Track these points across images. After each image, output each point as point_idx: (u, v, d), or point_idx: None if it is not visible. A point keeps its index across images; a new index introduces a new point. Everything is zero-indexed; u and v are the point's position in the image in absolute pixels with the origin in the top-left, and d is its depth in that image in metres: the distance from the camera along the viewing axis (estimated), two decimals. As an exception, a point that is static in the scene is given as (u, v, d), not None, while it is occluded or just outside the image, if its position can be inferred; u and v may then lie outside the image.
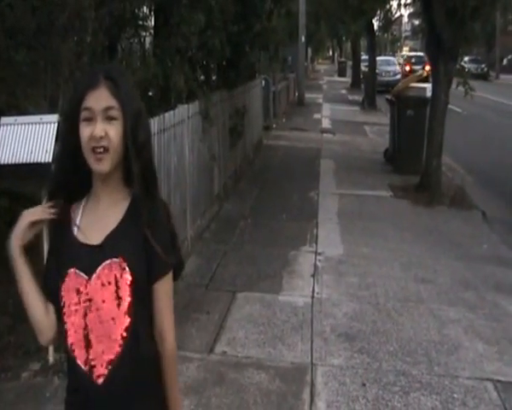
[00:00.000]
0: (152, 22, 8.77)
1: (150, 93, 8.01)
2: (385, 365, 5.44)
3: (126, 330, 2.14)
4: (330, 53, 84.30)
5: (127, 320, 2.14)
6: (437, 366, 5.50)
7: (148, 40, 8.78)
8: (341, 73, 54.88)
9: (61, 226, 2.23)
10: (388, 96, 14.40)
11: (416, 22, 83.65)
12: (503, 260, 8.43)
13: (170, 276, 2.25)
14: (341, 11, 27.24)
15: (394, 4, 34.53)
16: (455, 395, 5.07)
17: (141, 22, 8.39)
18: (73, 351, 2.17)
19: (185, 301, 6.57)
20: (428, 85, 12.65)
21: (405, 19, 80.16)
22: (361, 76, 37.01)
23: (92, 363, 2.14)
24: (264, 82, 17.81)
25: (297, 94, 28.48)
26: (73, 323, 2.17)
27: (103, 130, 2.10)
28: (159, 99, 8.02)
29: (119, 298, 2.14)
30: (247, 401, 4.85)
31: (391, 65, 40.42)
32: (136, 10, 7.80)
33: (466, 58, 35.40)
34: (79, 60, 6.27)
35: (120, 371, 2.15)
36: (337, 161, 14.51)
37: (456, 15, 10.50)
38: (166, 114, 6.88)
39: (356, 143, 17.79)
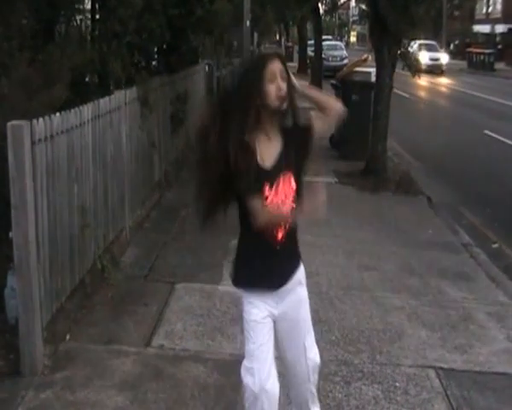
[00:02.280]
0: (89, 5, 8.51)
1: (87, 79, 7.77)
2: (326, 354, 5.31)
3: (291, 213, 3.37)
4: (277, 37, 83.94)
5: (291, 207, 3.36)
6: (379, 355, 5.43)
7: (85, 24, 8.52)
8: (288, 58, 54.72)
9: (247, 156, 3.25)
10: (333, 81, 14.29)
11: (363, 7, 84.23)
12: (447, 246, 8.43)
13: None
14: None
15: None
16: (397, 384, 5.02)
17: (77, 5, 8.13)
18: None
19: (123, 293, 6.40)
20: (373, 70, 12.61)
21: (353, 3, 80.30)
22: (308, 61, 36.90)
23: (273, 234, 3.38)
24: (207, 67, 17.54)
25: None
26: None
27: (283, 85, 3.27)
28: (96, 85, 7.78)
29: (288, 196, 3.36)
30: (185, 396, 4.71)
31: (338, 49, 40.49)
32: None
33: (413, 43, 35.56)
34: (9, 44, 6.01)
35: (288, 237, 3.41)
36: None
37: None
38: (102, 100, 6.64)
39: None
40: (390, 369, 5.22)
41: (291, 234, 3.42)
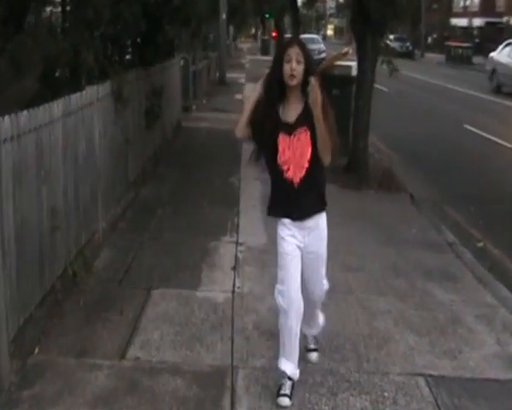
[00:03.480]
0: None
1: (57, 74, 7.42)
2: (311, 364, 5.07)
3: (308, 161, 4.33)
4: (253, 31, 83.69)
5: (309, 156, 4.33)
6: (366, 363, 5.19)
7: (55, 15, 8.18)
8: (264, 52, 54.38)
9: (272, 113, 4.34)
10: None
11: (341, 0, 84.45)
12: (432, 245, 8.20)
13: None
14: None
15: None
16: (385, 394, 4.78)
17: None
18: (285, 170, 4.36)
19: (96, 299, 6.09)
20: (354, 64, 12.34)
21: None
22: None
23: (292, 176, 4.37)
24: (183, 61, 17.20)
25: (218, 73, 27.89)
26: (286, 156, 4.34)
27: (296, 66, 4.22)
28: (67, 79, 7.42)
29: (305, 147, 4.32)
30: (162, 412, 4.41)
31: (316, 43, 40.21)
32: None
33: (391, 36, 35.45)
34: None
35: (305, 180, 4.36)
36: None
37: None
38: (73, 96, 6.29)
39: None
40: (378, 378, 4.97)
41: (310, 180, 4.39)
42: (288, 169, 4.37)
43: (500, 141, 16.31)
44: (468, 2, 66.66)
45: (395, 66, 11.37)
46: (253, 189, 10.20)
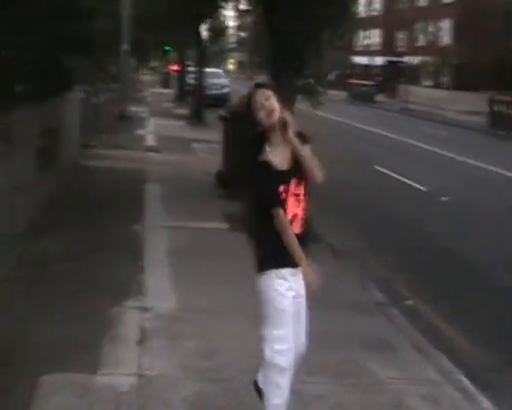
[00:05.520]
0: None
1: None
2: None
3: (303, 210, 4.32)
4: (155, 63, 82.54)
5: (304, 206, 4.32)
6: None
7: None
8: (165, 85, 53.73)
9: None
10: (223, 113, 13.11)
11: (243, 34, 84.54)
12: (361, 306, 7.42)
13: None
14: (167, 20, 25.79)
15: (226, 13, 33.90)
16: None
17: None
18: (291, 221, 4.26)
19: (-32, 391, 4.89)
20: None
21: (231, 30, 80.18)
22: (187, 88, 35.71)
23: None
24: (83, 93, 16.03)
25: (120, 107, 26.70)
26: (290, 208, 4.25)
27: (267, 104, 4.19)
28: None
29: (301, 195, 4.30)
30: None
31: (219, 77, 39.45)
32: None
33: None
34: None
35: (303, 229, 4.35)
36: (164, 185, 12.95)
37: (301, 25, 9.41)
38: None
39: (184, 162, 16.34)
40: None
41: (305, 223, 4.33)
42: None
43: (411, 183, 15.97)
44: (369, 41, 67.87)
45: (319, 100, 10.82)
46: (159, 239, 9.16)
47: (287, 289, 4.29)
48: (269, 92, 4.21)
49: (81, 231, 9.31)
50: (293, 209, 4.23)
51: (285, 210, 4.19)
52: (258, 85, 4.36)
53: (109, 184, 13.04)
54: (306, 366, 5.62)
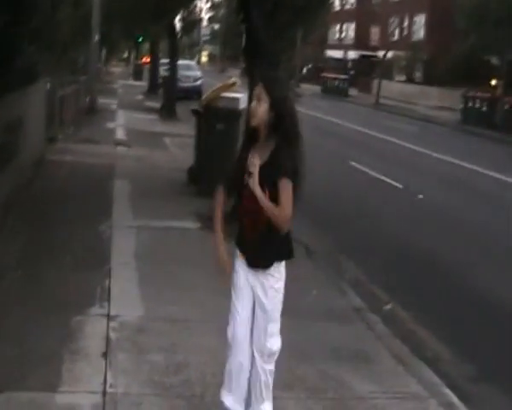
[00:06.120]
0: None
1: None
2: None
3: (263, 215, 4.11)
4: (126, 54, 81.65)
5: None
6: None
7: None
8: (137, 77, 53.02)
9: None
10: (195, 107, 12.64)
11: (216, 26, 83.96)
12: (337, 312, 7.09)
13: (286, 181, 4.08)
14: (139, 10, 25.20)
15: (200, 5, 33.46)
16: None
17: None
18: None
19: None
20: (242, 96, 11.16)
21: (205, 22, 79.52)
22: (159, 81, 35.12)
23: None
24: (48, 85, 15.46)
25: (88, 99, 26.08)
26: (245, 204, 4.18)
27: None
28: None
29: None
30: None
31: (191, 70, 38.82)
32: None
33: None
34: None
35: (259, 238, 4.20)
36: (134, 182, 12.43)
37: (276, 17, 9.02)
38: None
39: (155, 158, 15.81)
40: None
41: (264, 235, 4.16)
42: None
43: (388, 180, 15.68)
44: (343, 35, 67.73)
45: (295, 93, 10.42)
46: (126, 240, 8.72)
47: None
48: (261, 92, 4.12)
49: (40, 235, 8.76)
50: (249, 206, 4.12)
51: (240, 202, 4.25)
52: (261, 78, 4.32)
53: (74, 181, 12.49)
54: (281, 381, 5.29)
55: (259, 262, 4.26)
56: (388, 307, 7.70)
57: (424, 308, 7.86)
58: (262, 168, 4.04)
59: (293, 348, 5.93)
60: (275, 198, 4.03)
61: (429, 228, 11.72)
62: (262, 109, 4.08)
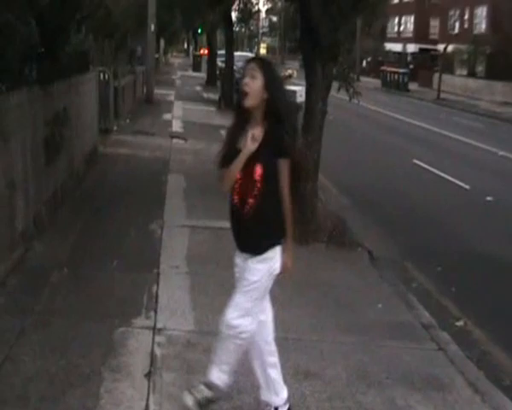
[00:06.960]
0: None
1: None
2: None
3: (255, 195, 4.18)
4: (186, 45, 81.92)
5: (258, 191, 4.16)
6: None
7: None
8: (196, 68, 53.00)
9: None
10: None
11: (274, 19, 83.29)
12: (405, 330, 6.47)
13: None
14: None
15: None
16: None
17: None
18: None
19: None
20: (299, 88, 10.58)
21: (263, 14, 78.98)
22: (217, 72, 34.77)
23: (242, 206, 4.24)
24: (102, 75, 15.10)
25: (145, 90, 25.78)
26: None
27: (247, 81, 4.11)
28: None
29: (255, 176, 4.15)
30: None
31: (248, 62, 38.42)
32: None
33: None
34: None
35: (254, 217, 4.20)
36: (188, 177, 11.98)
37: (334, 6, 8.38)
38: None
39: (211, 152, 15.22)
40: None
41: (259, 213, 4.17)
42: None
43: (453, 180, 14.90)
44: (402, 28, 66.53)
45: (356, 89, 9.81)
46: (178, 241, 8.22)
47: None
48: (255, 69, 4.12)
49: (91, 231, 8.40)
50: (241, 182, 4.21)
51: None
52: (249, 60, 4.31)
53: (127, 175, 12.12)
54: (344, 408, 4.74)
55: (249, 247, 4.28)
56: (460, 323, 7.07)
57: (500, 325, 7.21)
58: (257, 147, 4.10)
59: (358, 371, 5.39)
60: (268, 175, 4.10)
61: (500, 234, 10.95)
62: (256, 86, 4.07)
